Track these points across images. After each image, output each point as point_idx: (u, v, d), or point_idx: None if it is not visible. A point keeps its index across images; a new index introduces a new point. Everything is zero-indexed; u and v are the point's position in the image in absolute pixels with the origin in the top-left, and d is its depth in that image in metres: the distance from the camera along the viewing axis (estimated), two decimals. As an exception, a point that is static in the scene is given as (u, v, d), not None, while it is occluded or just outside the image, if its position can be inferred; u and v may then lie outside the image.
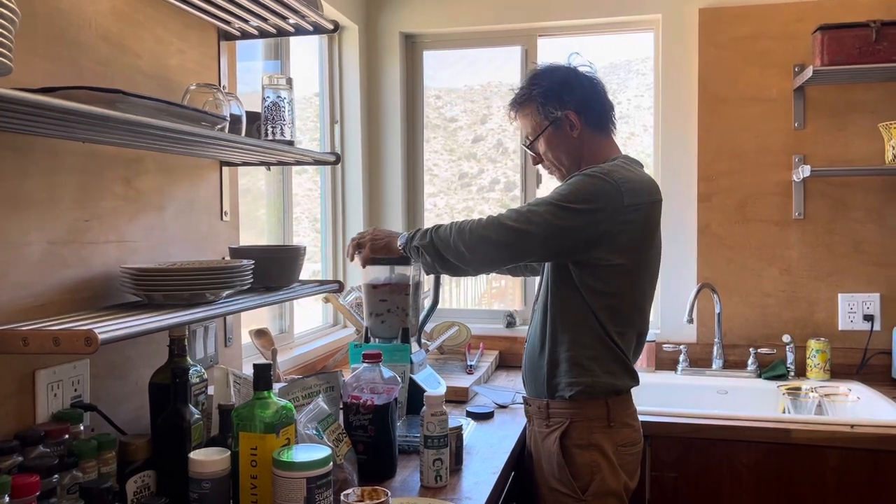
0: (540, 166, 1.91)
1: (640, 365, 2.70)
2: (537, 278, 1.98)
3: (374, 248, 1.85)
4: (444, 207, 3.28)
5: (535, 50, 2.96)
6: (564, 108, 1.76)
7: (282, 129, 1.69)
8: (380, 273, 2.09)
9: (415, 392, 1.93)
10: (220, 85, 1.82)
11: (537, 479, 1.81)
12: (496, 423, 2.08)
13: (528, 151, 1.89)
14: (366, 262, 1.85)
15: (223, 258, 1.82)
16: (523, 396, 1.91)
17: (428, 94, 3.14)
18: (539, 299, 1.85)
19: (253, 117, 1.70)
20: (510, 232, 1.66)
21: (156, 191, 1.63)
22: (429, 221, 3.18)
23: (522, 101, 1.82)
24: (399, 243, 1.80)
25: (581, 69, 1.81)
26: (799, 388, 2.39)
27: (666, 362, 2.70)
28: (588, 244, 1.68)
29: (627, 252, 1.70)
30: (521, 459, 1.96)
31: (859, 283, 2.57)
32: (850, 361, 2.55)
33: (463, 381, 2.40)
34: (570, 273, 1.73)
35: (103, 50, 1.46)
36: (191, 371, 1.41)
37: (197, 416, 1.36)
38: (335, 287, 1.88)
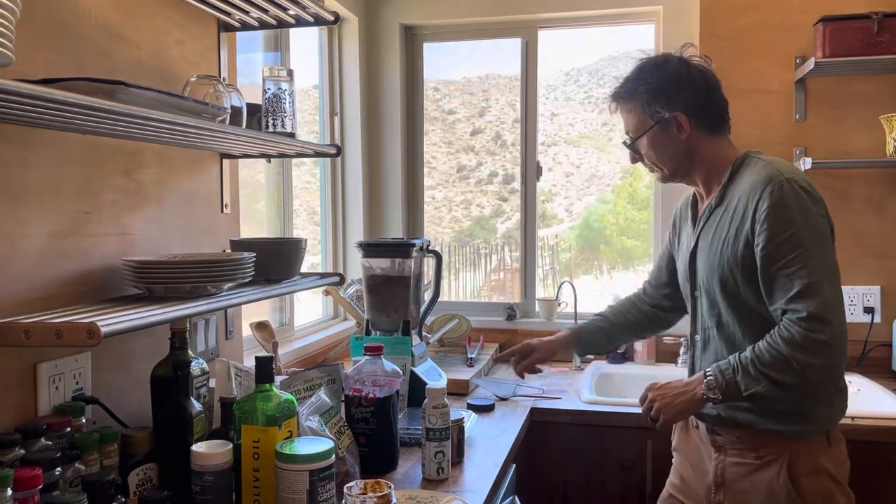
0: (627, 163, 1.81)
1: (641, 357, 2.70)
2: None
3: (677, 416, 1.59)
4: (442, 200, 3.28)
5: (536, 42, 2.95)
6: (673, 109, 1.59)
7: (282, 120, 1.68)
8: (381, 265, 2.08)
9: (416, 385, 1.94)
10: (220, 76, 1.81)
11: None
12: (497, 416, 2.08)
13: (629, 149, 1.72)
14: (664, 427, 1.61)
15: (224, 251, 1.82)
16: (707, 426, 1.65)
17: (426, 87, 3.13)
18: (712, 330, 1.63)
19: (253, 109, 1.69)
20: (830, 339, 1.42)
21: (156, 183, 1.62)
22: (428, 214, 3.18)
23: (627, 96, 1.66)
24: (709, 396, 1.51)
25: (694, 61, 1.64)
26: (799, 381, 2.39)
27: (666, 355, 2.70)
28: None
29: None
30: (522, 452, 1.97)
31: (859, 276, 2.56)
32: (851, 353, 2.50)
33: (463, 373, 2.40)
34: (760, 302, 1.53)
35: (103, 41, 1.45)
36: (192, 364, 1.41)
37: (199, 408, 1.36)
38: (336, 280, 1.87)
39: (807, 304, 1.42)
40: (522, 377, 2.01)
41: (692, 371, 1.70)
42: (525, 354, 1.95)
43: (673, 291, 1.87)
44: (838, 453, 1.58)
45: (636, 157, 1.71)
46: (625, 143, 1.72)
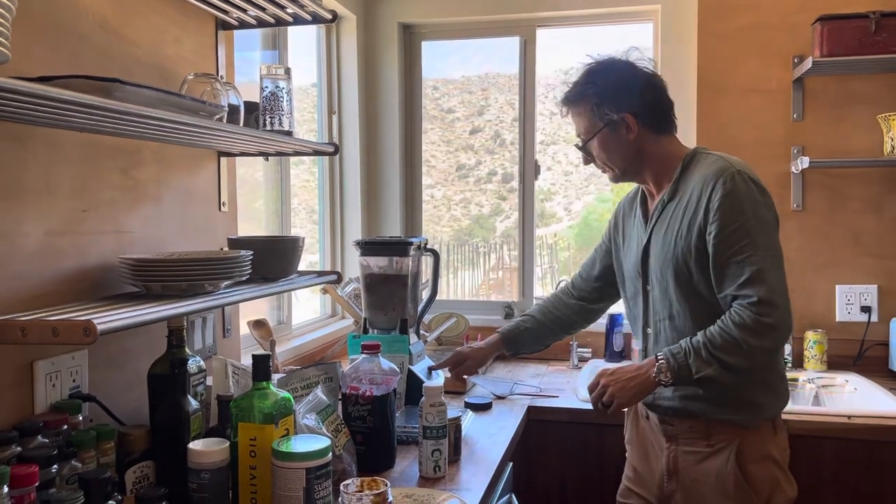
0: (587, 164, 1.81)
1: (638, 356, 2.70)
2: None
3: (630, 399, 1.63)
4: (441, 198, 3.28)
5: (535, 40, 2.95)
6: (621, 111, 1.65)
7: (280, 119, 1.68)
8: (378, 264, 2.09)
9: (413, 383, 1.94)
10: (218, 75, 1.81)
11: (696, 501, 1.65)
12: (494, 414, 2.08)
13: (580, 151, 1.77)
14: (616, 413, 1.65)
15: (221, 249, 1.82)
16: (659, 417, 1.69)
17: (425, 85, 3.13)
18: (664, 323, 1.68)
19: (251, 107, 1.69)
20: (774, 321, 1.50)
21: (153, 181, 1.62)
22: (427, 212, 3.18)
23: (576, 100, 1.71)
24: (661, 379, 1.56)
25: (639, 65, 1.69)
26: (796, 380, 2.39)
27: (664, 353, 2.70)
28: None
29: None
30: (519, 450, 1.97)
31: (857, 275, 2.57)
32: (848, 353, 2.55)
33: (461, 372, 2.40)
34: (707, 288, 1.59)
35: (100, 39, 1.45)
36: (189, 362, 1.41)
37: (196, 406, 1.36)
38: (334, 278, 1.87)
39: (756, 289, 1.50)
40: (464, 382, 2.08)
41: (647, 351, 1.76)
42: (459, 363, 2.01)
43: (603, 285, 1.96)
44: (782, 440, 1.65)
45: (588, 158, 1.76)
46: (577, 145, 1.77)
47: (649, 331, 1.73)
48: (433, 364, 2.10)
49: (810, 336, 2.52)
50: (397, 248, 2.08)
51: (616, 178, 1.76)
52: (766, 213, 1.57)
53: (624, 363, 1.68)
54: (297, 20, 1.84)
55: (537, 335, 2.01)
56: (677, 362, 1.54)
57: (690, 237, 1.58)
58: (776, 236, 1.59)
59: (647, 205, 1.77)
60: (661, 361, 1.56)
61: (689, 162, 1.67)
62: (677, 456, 1.67)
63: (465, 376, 2.05)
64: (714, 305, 1.58)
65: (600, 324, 2.32)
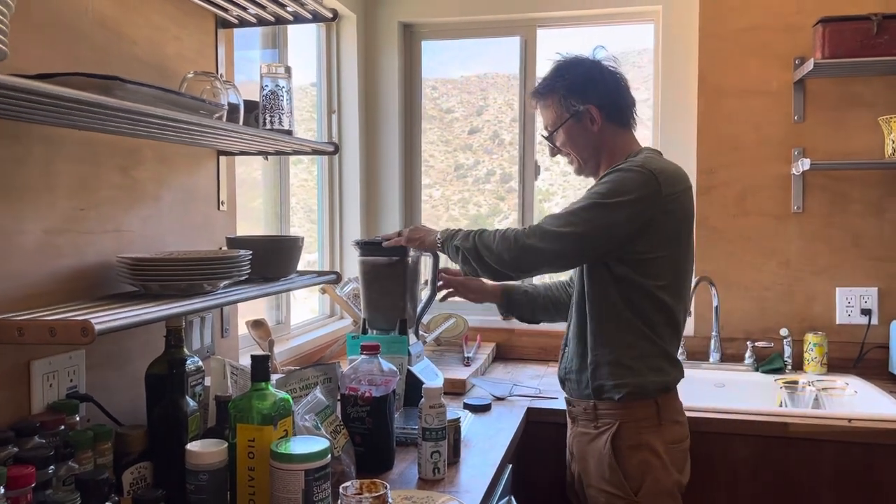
0: (557, 156, 1.92)
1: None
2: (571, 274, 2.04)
3: (409, 238, 1.92)
4: (439, 199, 3.27)
5: (535, 41, 2.94)
6: (586, 103, 1.76)
7: (280, 118, 1.67)
8: (377, 263, 2.07)
9: (412, 384, 1.93)
10: (217, 73, 1.80)
11: (584, 481, 1.79)
12: (494, 416, 2.07)
13: (547, 142, 1.88)
14: (390, 246, 1.95)
15: (220, 248, 1.81)
16: (566, 398, 1.88)
17: (424, 85, 3.12)
18: (574, 298, 1.83)
19: (251, 106, 1.68)
20: (555, 238, 1.67)
21: (152, 180, 1.61)
22: (425, 212, 3.17)
23: (545, 92, 1.82)
24: (437, 239, 1.85)
25: (605, 63, 1.81)
26: (796, 382, 2.39)
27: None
28: (631, 237, 1.66)
29: (669, 243, 1.70)
30: (519, 452, 1.96)
31: (857, 277, 2.56)
32: (848, 355, 2.55)
33: (460, 373, 2.39)
34: (608, 270, 1.72)
35: (100, 37, 1.44)
36: (188, 362, 1.40)
37: (194, 407, 1.35)
38: (333, 278, 1.87)
39: (550, 222, 1.69)
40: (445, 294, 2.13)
41: (567, 331, 1.88)
42: (455, 274, 2.09)
43: None
44: (669, 434, 1.73)
45: (554, 149, 1.88)
46: (542, 135, 1.88)
47: (571, 300, 1.89)
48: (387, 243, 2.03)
49: (810, 338, 2.51)
50: (396, 247, 2.07)
51: (579, 170, 1.87)
52: (643, 212, 1.64)
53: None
54: (298, 18, 1.83)
55: (533, 300, 2.09)
56: (452, 231, 1.81)
57: None
58: (620, 231, 1.65)
59: None
60: (448, 229, 1.83)
61: (632, 158, 1.75)
62: (575, 437, 1.83)
63: (450, 298, 2.14)
64: (612, 301, 1.71)
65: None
